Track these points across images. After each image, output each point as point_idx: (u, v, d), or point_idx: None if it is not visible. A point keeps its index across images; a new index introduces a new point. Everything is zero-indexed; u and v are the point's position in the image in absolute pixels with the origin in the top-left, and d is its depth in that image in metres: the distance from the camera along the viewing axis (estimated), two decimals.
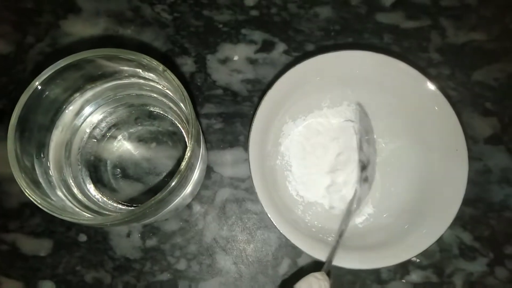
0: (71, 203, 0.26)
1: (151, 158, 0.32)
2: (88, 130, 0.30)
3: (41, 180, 0.24)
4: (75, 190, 0.28)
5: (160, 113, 0.32)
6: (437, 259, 0.33)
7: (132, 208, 0.27)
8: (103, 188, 0.31)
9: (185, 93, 0.23)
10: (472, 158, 0.34)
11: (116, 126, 0.32)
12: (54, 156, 0.27)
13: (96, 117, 0.30)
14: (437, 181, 0.29)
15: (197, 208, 0.33)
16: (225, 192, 0.34)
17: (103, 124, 0.31)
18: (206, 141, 0.34)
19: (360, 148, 0.32)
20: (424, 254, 0.29)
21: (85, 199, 0.28)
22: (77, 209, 0.25)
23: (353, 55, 0.30)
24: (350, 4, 0.38)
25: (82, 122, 0.29)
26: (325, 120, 0.33)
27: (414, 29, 0.38)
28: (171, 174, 0.31)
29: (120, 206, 0.30)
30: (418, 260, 0.33)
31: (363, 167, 0.31)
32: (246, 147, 0.32)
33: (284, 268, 0.32)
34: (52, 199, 0.24)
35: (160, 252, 0.32)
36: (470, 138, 0.35)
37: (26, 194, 0.22)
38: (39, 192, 0.23)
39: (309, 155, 0.32)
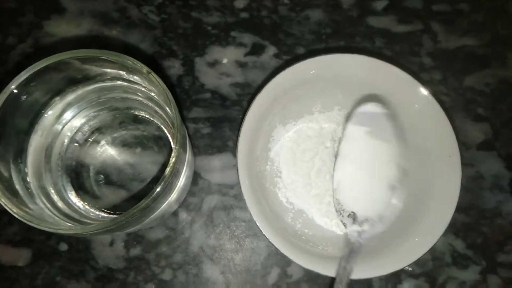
0: (51, 211, 0.24)
1: (136, 164, 0.31)
2: (69, 134, 0.29)
3: (18, 187, 0.23)
4: (55, 197, 0.26)
5: (145, 117, 0.31)
6: (429, 268, 0.32)
7: (115, 216, 0.26)
8: (85, 195, 0.29)
9: (170, 96, 0.22)
10: (464, 164, 0.34)
11: (99, 130, 0.31)
12: (33, 161, 0.26)
13: (79, 120, 0.29)
14: (430, 188, 0.29)
15: (183, 215, 0.32)
16: (212, 199, 0.32)
17: (86, 128, 0.30)
18: (193, 146, 0.33)
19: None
20: (417, 262, 0.28)
21: (65, 207, 0.27)
22: (57, 218, 0.24)
23: (344, 59, 0.29)
24: (342, 7, 0.38)
25: (63, 126, 0.28)
26: (316, 125, 0.32)
27: (406, 33, 0.37)
28: (156, 180, 0.30)
29: (102, 214, 0.29)
30: (410, 269, 0.32)
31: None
32: (234, 153, 0.31)
33: (273, 277, 0.31)
34: (30, 208, 0.22)
35: (144, 262, 0.31)
36: (462, 144, 0.35)
37: (1, 203, 0.21)
38: (16, 201, 0.21)
39: (299, 161, 0.31)
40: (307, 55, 0.32)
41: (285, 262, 0.32)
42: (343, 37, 0.37)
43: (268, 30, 0.36)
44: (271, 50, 0.36)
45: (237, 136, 0.28)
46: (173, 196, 0.26)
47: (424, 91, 0.28)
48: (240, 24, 0.36)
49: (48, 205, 0.25)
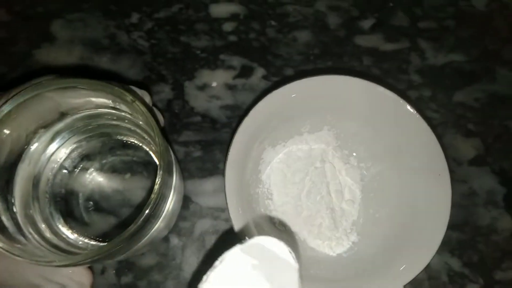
0: (38, 242, 0.24)
1: (125, 190, 0.31)
2: (58, 161, 0.29)
3: (4, 218, 0.23)
4: (43, 226, 0.26)
5: (134, 142, 0.31)
6: None
7: (103, 244, 0.26)
8: (74, 223, 0.29)
9: (154, 123, 0.22)
10: (456, 180, 0.34)
11: (88, 157, 0.30)
12: (20, 191, 0.25)
13: (67, 148, 0.29)
14: (421, 207, 0.28)
15: (174, 241, 0.32)
16: (204, 223, 0.32)
17: (74, 155, 0.30)
18: (184, 170, 0.33)
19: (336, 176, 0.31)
20: (413, 282, 0.27)
21: (53, 236, 0.26)
22: (44, 249, 0.24)
23: (331, 80, 0.29)
24: (329, 28, 0.38)
25: (52, 154, 0.28)
26: (305, 146, 0.32)
27: (394, 51, 0.38)
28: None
29: (92, 242, 0.29)
30: None
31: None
32: (224, 175, 0.31)
33: None
34: (17, 241, 0.22)
35: None
36: (454, 160, 0.35)
37: None
38: (3, 236, 0.21)
39: (289, 183, 0.31)
40: (295, 77, 0.33)
41: None
42: (331, 57, 0.37)
43: (256, 52, 0.37)
44: (260, 72, 0.36)
45: (225, 159, 0.28)
46: (161, 221, 0.26)
47: (410, 109, 0.28)
48: (228, 47, 0.37)
49: (36, 236, 0.24)
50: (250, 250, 0.21)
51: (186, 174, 0.33)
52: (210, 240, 0.32)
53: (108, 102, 0.25)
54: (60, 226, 0.28)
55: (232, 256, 0.20)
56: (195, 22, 0.37)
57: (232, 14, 0.38)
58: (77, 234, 0.29)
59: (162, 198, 0.22)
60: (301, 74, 0.31)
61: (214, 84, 0.36)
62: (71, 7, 0.37)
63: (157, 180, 0.21)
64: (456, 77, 0.38)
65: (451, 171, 0.27)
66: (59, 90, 0.22)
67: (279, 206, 0.31)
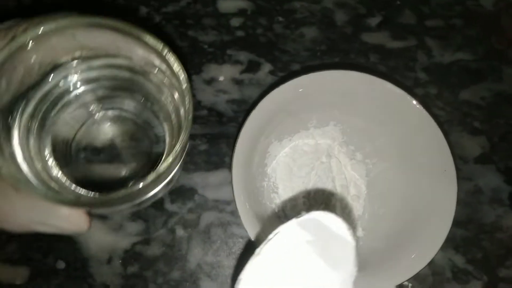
0: (40, 178, 0.22)
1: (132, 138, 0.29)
2: (67, 100, 0.26)
3: (14, 143, 0.22)
4: (49, 164, 0.24)
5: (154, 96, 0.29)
6: (429, 283, 0.32)
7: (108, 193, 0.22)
8: (62, 162, 0.26)
9: (184, 73, 0.21)
10: (462, 178, 0.34)
11: (101, 101, 0.28)
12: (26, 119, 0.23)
13: (77, 91, 0.26)
14: (426, 203, 0.28)
15: (180, 232, 0.32)
16: (209, 216, 0.32)
17: (85, 99, 0.27)
18: (189, 163, 0.33)
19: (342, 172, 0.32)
20: (416, 278, 0.28)
21: (45, 173, 0.24)
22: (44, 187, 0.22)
23: (338, 75, 0.30)
24: (336, 24, 0.38)
25: (64, 91, 0.26)
26: (311, 141, 0.33)
27: (400, 49, 0.38)
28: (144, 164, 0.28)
29: (79, 189, 0.26)
30: (410, 285, 0.32)
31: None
32: (231, 169, 0.31)
33: None
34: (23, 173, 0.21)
35: (142, 279, 0.31)
36: (460, 158, 0.35)
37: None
38: (13, 164, 0.20)
39: (295, 176, 0.31)
40: (302, 72, 0.33)
41: None
42: (338, 53, 0.37)
43: (263, 48, 0.37)
44: (267, 67, 0.36)
45: (232, 152, 0.28)
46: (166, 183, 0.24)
47: (417, 105, 0.29)
48: (236, 42, 0.37)
49: (43, 173, 0.23)
50: (306, 224, 0.20)
51: (192, 167, 0.34)
52: (215, 232, 0.32)
53: (134, 51, 0.23)
54: (52, 165, 0.26)
55: (287, 230, 0.20)
56: (203, 17, 0.38)
57: (239, 9, 0.38)
58: (63, 174, 0.26)
59: (180, 156, 0.21)
60: (308, 70, 0.31)
61: (221, 78, 0.36)
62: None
63: (181, 137, 0.21)
64: (463, 76, 0.38)
65: (457, 169, 0.28)
66: (83, 28, 0.21)
67: (285, 200, 0.31)
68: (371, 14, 0.39)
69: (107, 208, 0.23)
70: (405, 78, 0.37)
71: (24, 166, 0.22)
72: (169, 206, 0.32)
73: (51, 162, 0.26)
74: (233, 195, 0.27)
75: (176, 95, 0.23)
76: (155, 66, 0.24)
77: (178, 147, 0.21)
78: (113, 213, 0.32)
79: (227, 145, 0.34)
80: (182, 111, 0.23)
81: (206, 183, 0.33)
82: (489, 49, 0.39)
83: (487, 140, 0.36)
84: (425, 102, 0.36)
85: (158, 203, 0.32)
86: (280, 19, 0.38)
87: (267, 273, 0.20)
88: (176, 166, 0.23)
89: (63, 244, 0.31)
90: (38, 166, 0.24)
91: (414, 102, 0.29)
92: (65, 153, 0.28)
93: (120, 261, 0.31)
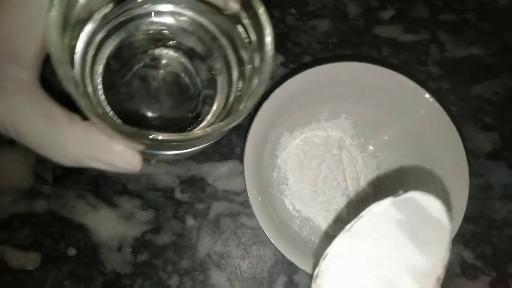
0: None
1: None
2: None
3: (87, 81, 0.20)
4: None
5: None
6: None
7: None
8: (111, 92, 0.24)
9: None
10: (473, 173, 0.34)
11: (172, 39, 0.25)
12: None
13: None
14: (438, 196, 0.28)
15: (190, 222, 0.32)
16: (219, 206, 0.33)
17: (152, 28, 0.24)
18: (200, 152, 0.34)
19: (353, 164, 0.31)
20: None
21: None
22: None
23: (350, 67, 0.29)
24: (348, 17, 0.38)
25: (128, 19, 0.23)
26: (323, 133, 0.33)
27: (413, 43, 0.38)
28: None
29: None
30: None
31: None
32: (241, 160, 0.31)
33: (280, 285, 0.31)
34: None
35: (151, 267, 0.31)
36: (471, 154, 0.35)
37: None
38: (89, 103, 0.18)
39: (306, 168, 0.31)
40: (314, 63, 0.33)
41: (292, 270, 0.31)
42: (350, 46, 0.37)
43: (275, 39, 0.37)
44: (279, 59, 0.36)
45: (244, 143, 0.28)
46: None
47: (430, 98, 0.28)
48: None
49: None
50: (401, 204, 0.20)
51: (202, 157, 0.34)
52: (225, 222, 0.32)
53: None
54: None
55: (380, 209, 0.20)
56: None
57: None
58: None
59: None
60: (319, 62, 0.31)
61: None
62: None
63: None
64: (475, 71, 0.37)
65: (468, 164, 0.27)
66: None
67: (295, 191, 0.31)
68: (384, 7, 0.39)
69: (169, 150, 0.22)
70: (417, 72, 0.37)
71: (102, 98, 0.21)
72: (179, 195, 0.33)
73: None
74: (245, 186, 0.27)
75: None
76: None
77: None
78: (164, 158, 0.29)
79: (237, 136, 0.34)
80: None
81: (217, 173, 0.33)
82: (502, 44, 0.39)
83: (498, 135, 0.36)
84: (437, 96, 0.36)
85: (168, 192, 0.33)
86: (293, 11, 0.38)
87: (354, 250, 0.19)
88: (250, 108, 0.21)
89: (74, 230, 0.32)
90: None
91: (427, 95, 0.29)
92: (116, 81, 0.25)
93: (130, 249, 0.32)
